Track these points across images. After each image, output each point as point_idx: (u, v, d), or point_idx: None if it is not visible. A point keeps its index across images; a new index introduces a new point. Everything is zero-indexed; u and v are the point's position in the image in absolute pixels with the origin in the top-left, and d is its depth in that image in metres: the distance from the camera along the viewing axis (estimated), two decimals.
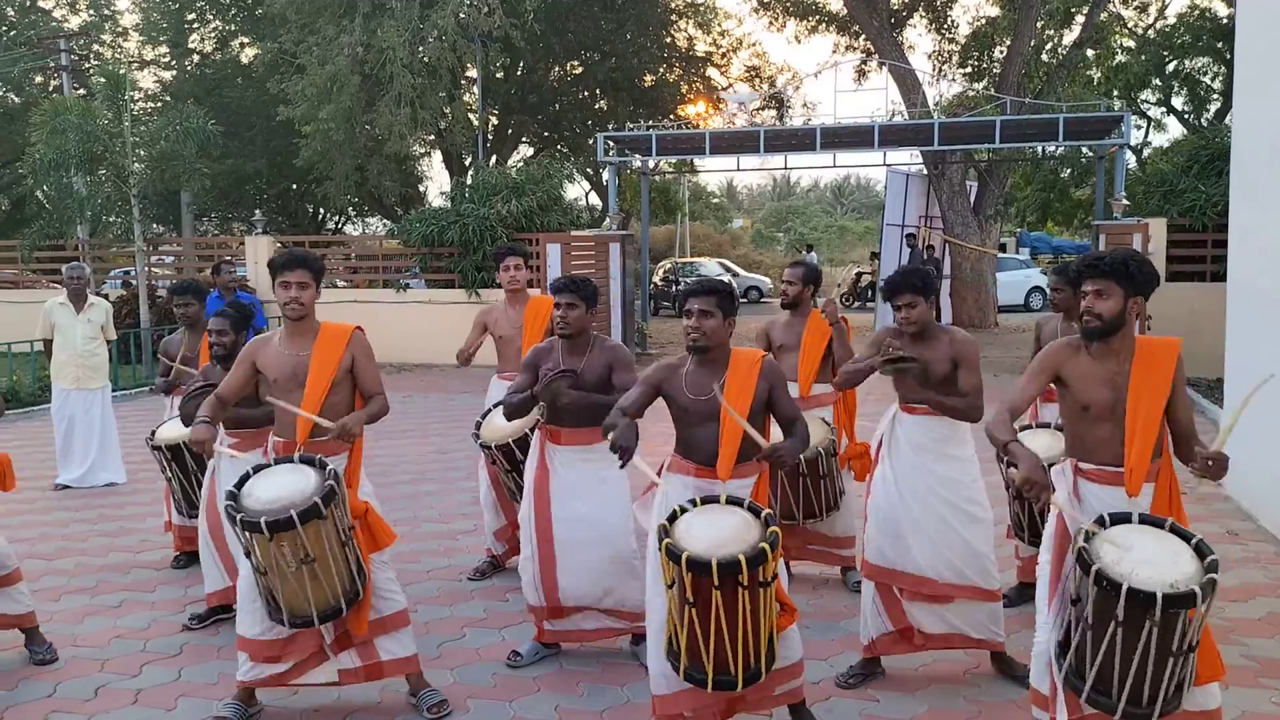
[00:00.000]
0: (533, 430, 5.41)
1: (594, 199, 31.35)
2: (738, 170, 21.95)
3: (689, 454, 3.93)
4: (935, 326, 4.49)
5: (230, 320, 5.25)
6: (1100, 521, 3.28)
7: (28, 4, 29.98)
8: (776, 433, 4.03)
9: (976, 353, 4.46)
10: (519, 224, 16.63)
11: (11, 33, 28.45)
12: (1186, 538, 3.19)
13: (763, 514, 3.51)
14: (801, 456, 4.36)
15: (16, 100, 28.74)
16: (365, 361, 4.29)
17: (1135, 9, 27.02)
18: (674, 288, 27.74)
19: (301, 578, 3.88)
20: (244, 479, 4.00)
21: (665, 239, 39.50)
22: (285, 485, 3.90)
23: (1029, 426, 5.26)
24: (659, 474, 3.97)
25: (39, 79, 29.25)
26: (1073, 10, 22.52)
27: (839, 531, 5.71)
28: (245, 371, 4.27)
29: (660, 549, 3.40)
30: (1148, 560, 3.10)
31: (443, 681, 4.50)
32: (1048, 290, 5.74)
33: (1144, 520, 3.29)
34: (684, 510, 3.58)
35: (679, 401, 3.91)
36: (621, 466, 3.76)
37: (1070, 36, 22.56)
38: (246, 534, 3.82)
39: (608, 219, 18.45)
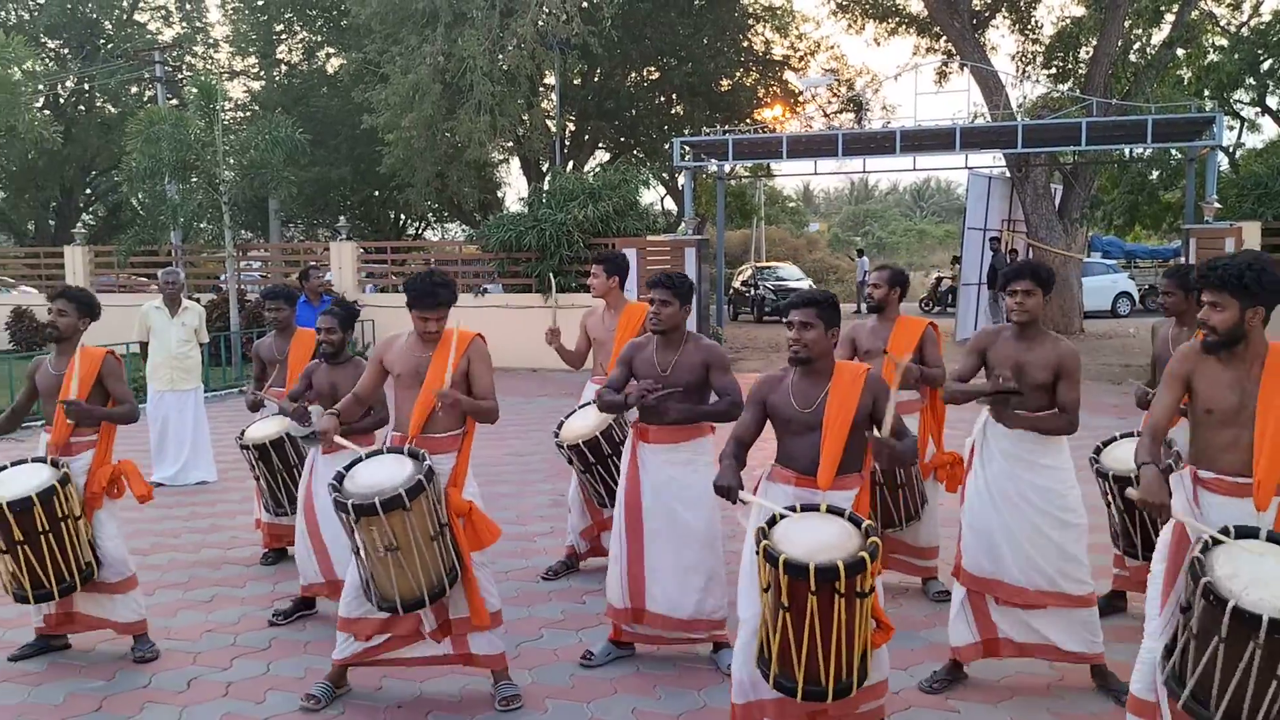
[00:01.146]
0: (604, 433, 5.50)
1: (669, 204, 31.40)
2: (815, 174, 21.82)
3: (789, 463, 3.93)
4: (1041, 327, 4.39)
5: (338, 319, 5.42)
6: (1224, 533, 3.19)
7: (124, 18, 31.10)
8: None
9: (1079, 365, 4.36)
10: (595, 229, 16.76)
11: (109, 45, 29.55)
12: None
13: (864, 524, 3.50)
14: (876, 465, 4.32)
15: (114, 110, 29.86)
16: (480, 367, 4.46)
17: (1228, 6, 26.18)
18: (752, 292, 27.50)
19: (387, 564, 4.06)
20: (354, 462, 4.24)
21: (740, 243, 39.39)
22: (383, 473, 4.11)
23: (1131, 434, 5.12)
24: (755, 490, 3.99)
25: (134, 90, 30.35)
26: (1162, 9, 21.92)
27: (922, 541, 5.65)
28: (377, 370, 4.57)
29: (758, 551, 3.41)
30: (1263, 581, 3.00)
31: (521, 681, 4.56)
32: (1160, 294, 5.59)
33: (1271, 539, 3.16)
34: (784, 516, 3.58)
35: (782, 412, 3.92)
36: (733, 502, 3.78)
37: (1159, 35, 21.97)
38: (341, 515, 4.06)
39: (683, 223, 18.45)
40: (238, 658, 4.97)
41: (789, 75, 28.07)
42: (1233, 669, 2.99)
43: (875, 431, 3.79)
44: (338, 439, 4.47)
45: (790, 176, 39.32)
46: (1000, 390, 4.26)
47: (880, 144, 18.21)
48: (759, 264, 32.86)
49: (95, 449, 4.94)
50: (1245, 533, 3.20)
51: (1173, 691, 3.20)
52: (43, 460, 4.85)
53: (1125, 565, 5.31)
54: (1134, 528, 4.97)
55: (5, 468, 4.82)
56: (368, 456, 4.28)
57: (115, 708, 4.44)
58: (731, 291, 29.48)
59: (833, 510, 3.59)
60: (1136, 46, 22.37)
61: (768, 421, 4.01)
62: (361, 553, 4.13)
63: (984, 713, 4.29)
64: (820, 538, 3.42)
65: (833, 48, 28.26)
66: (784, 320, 3.96)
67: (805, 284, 27.81)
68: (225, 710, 4.40)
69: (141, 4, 31.66)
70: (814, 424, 3.83)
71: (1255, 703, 3.01)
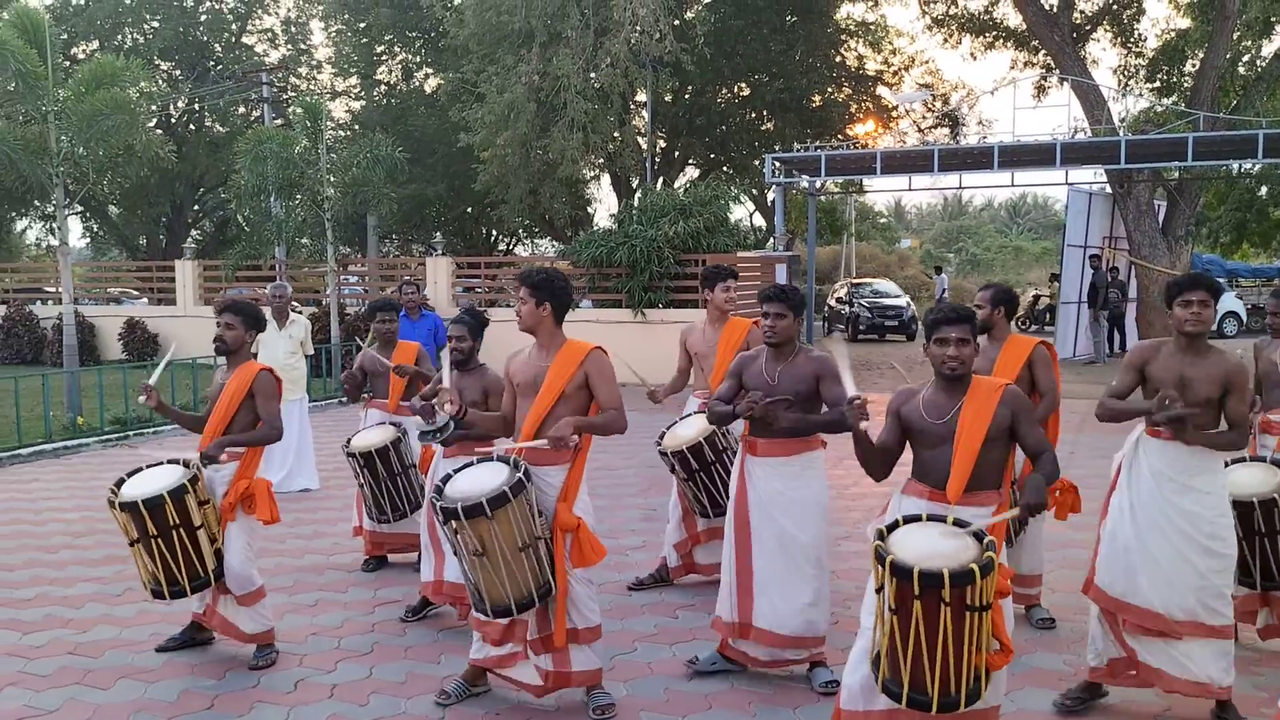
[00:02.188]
0: (708, 439, 5.53)
1: (759, 219, 31.34)
2: (908, 190, 21.58)
3: (923, 477, 3.91)
4: (1208, 342, 4.26)
5: (468, 326, 5.48)
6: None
7: (233, 41, 32.30)
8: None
9: (1249, 379, 4.24)
10: (685, 245, 16.80)
11: (218, 67, 30.70)
12: None
13: (985, 539, 3.46)
14: None
15: (222, 130, 31.02)
16: (600, 378, 4.46)
17: None
18: (847, 309, 26.65)
19: (476, 568, 4.20)
20: (464, 467, 4.40)
21: (830, 259, 39.13)
22: (478, 480, 4.23)
23: (1243, 459, 4.93)
24: (885, 507, 4.00)
25: (242, 110, 31.50)
26: (1273, 19, 21.18)
27: (1025, 569, 5.49)
28: (511, 386, 4.64)
29: (872, 550, 3.44)
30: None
31: (616, 694, 4.59)
32: (1269, 314, 5.41)
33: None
34: (907, 521, 3.59)
35: (915, 425, 3.91)
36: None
37: (1270, 47, 21.29)
38: (436, 517, 4.24)
39: (772, 239, 18.42)
40: (341, 660, 5.11)
41: (882, 90, 27.85)
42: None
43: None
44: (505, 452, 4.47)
45: (882, 192, 38.99)
46: (1167, 414, 4.01)
47: (977, 159, 17.97)
48: (854, 280, 32.12)
49: (240, 461, 5.07)
50: None
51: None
52: (177, 461, 5.03)
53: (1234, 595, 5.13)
54: (1253, 556, 4.78)
55: (140, 470, 5.01)
56: (479, 462, 4.40)
57: (226, 706, 4.60)
58: (827, 309, 29.12)
59: (959, 523, 3.56)
60: (1245, 59, 21.65)
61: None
62: (460, 554, 4.27)
63: None
64: (936, 546, 3.42)
65: (927, 62, 27.77)
66: (931, 338, 3.87)
67: (903, 300, 27.13)
68: (331, 711, 4.53)
69: (250, 27, 32.88)
70: (946, 436, 3.80)
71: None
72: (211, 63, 31.28)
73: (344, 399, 8.55)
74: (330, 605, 5.97)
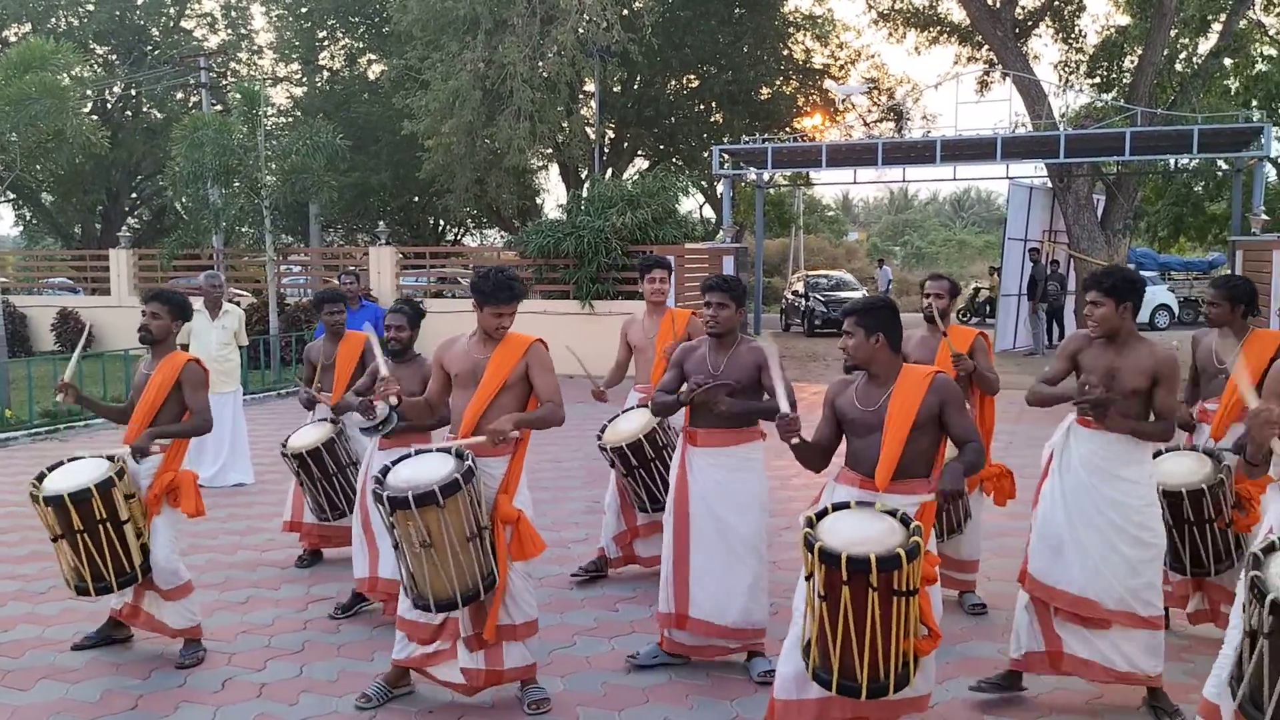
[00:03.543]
0: (648, 435, 5.50)
1: (708, 212, 31.36)
2: (854, 183, 21.73)
3: (855, 465, 3.94)
4: (1134, 334, 4.29)
5: (407, 316, 5.44)
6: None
7: (171, 25, 31.58)
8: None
9: (1178, 371, 4.26)
10: (634, 236, 16.74)
11: (156, 52, 30.00)
12: None
13: (912, 525, 3.48)
14: None
15: (159, 116, 30.31)
16: (540, 371, 4.44)
17: (1277, 15, 25.76)
18: (804, 303, 25.90)
19: (421, 560, 4.09)
20: (402, 458, 4.28)
21: (779, 252, 39.29)
22: (424, 469, 4.14)
23: (1178, 448, 5.00)
24: (819, 494, 4.01)
25: (180, 95, 30.80)
26: (1210, 18, 21.59)
27: (964, 554, 5.57)
28: (442, 374, 4.57)
29: (801, 537, 3.45)
30: None
31: (553, 689, 4.55)
32: (1206, 304, 5.48)
33: None
34: (836, 509, 3.61)
35: (848, 414, 3.96)
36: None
37: (1206, 45, 21.65)
38: (379, 507, 4.11)
39: (721, 232, 18.43)
40: (272, 659, 5.00)
41: (829, 84, 27.98)
42: (1278, 672, 2.92)
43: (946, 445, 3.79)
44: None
45: (829, 185, 39.20)
46: (1087, 399, 4.13)
47: (920, 153, 18.11)
48: (812, 273, 31.20)
49: (165, 453, 4.94)
50: None
51: (1232, 692, 3.14)
52: (101, 456, 4.89)
53: (1169, 580, 5.20)
54: (1182, 544, 4.85)
55: (62, 463, 4.87)
56: (417, 454, 4.31)
57: (150, 706, 4.48)
58: (785, 301, 28.90)
59: (887, 510, 3.58)
60: (1183, 56, 22.06)
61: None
62: (401, 547, 4.16)
63: None
64: (863, 533, 3.43)
65: (873, 56, 28.11)
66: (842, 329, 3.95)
67: (860, 294, 26.68)
68: (259, 711, 4.43)
69: (188, 11, 32.13)
70: (876, 425, 3.83)
71: None
72: (149, 47, 30.52)
73: (296, 386, 8.38)
74: (262, 602, 5.84)
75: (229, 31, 32.20)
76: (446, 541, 4.06)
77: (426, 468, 4.16)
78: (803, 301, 26.24)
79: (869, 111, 26.95)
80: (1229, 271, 15.84)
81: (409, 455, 4.32)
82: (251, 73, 30.46)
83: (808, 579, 3.47)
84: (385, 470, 4.24)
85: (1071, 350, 4.44)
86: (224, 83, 28.13)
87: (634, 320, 6.21)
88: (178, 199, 19.15)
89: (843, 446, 4.07)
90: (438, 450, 4.30)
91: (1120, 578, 4.19)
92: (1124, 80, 21.49)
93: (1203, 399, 5.39)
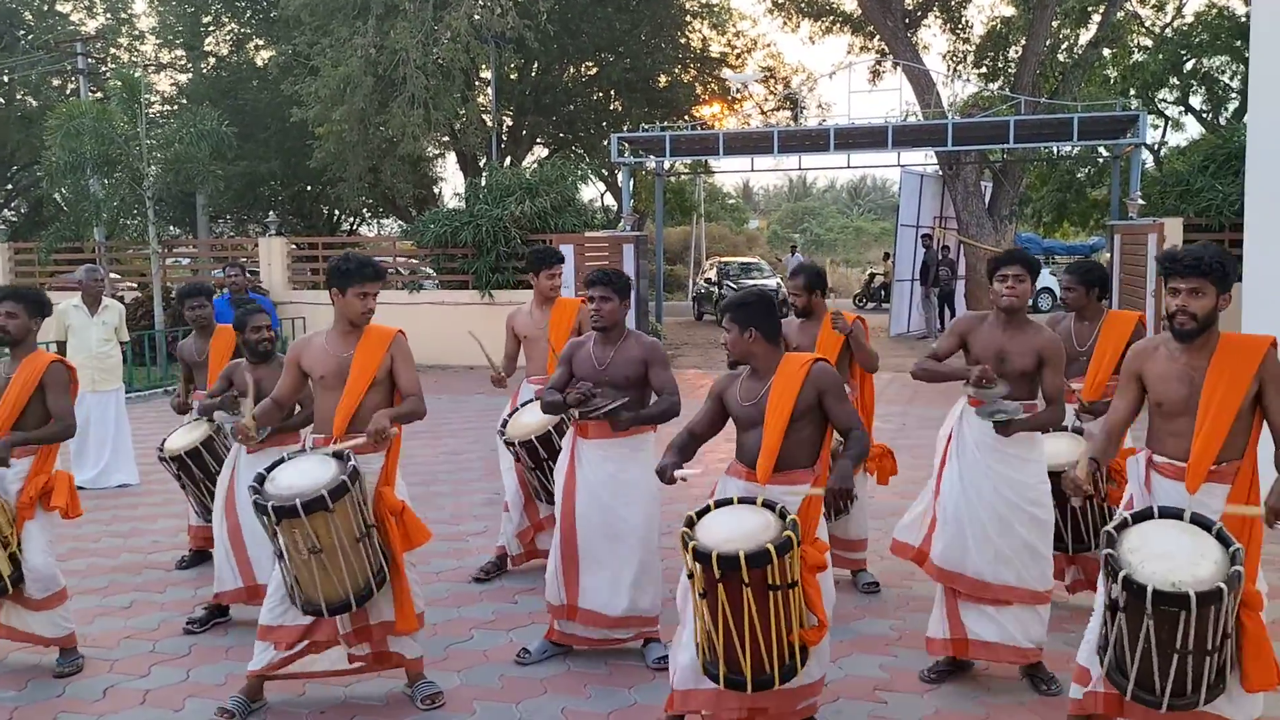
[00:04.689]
0: (556, 427, 5.45)
1: (609, 200, 31.31)
2: (752, 171, 21.91)
3: (741, 458, 3.96)
4: (1026, 316, 4.42)
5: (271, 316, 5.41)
6: (1124, 523, 3.26)
7: (45, 8, 30.18)
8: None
9: (1063, 353, 4.39)
10: (533, 225, 16.61)
11: (29, 36, 28.65)
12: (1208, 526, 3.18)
13: (788, 518, 3.50)
14: None
15: (34, 103, 28.91)
16: (403, 364, 4.36)
17: (1152, 8, 26.83)
18: (716, 291, 25.32)
19: (311, 567, 3.98)
20: (276, 464, 4.12)
21: (681, 240, 39.43)
22: (306, 474, 4.01)
23: (1066, 429, 5.12)
24: (714, 489, 4.02)
25: (56, 82, 29.42)
26: (1089, 9, 22.38)
27: (852, 534, 5.69)
28: (295, 373, 4.41)
29: (680, 536, 3.46)
30: (1163, 555, 3.10)
31: (449, 684, 4.50)
32: (1059, 290, 5.67)
33: (1195, 520, 3.24)
34: (717, 506, 3.62)
35: (733, 408, 3.98)
36: (666, 482, 3.89)
37: (1086, 36, 22.42)
38: (261, 517, 3.95)
39: (622, 220, 18.42)
40: (156, 665, 4.84)
41: (726, 72, 28.15)
42: (1135, 641, 3.07)
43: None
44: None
45: (729, 173, 39.46)
46: (980, 385, 4.21)
47: (815, 141, 18.36)
48: (724, 259, 30.81)
49: (35, 456, 4.70)
50: (1169, 513, 3.28)
51: (1100, 659, 3.30)
52: None
53: None
54: (1064, 521, 5.02)
55: None
56: (291, 457, 4.18)
57: (28, 718, 4.29)
58: (698, 288, 28.78)
59: (768, 504, 3.60)
60: (1064, 46, 22.80)
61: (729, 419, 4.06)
62: (285, 556, 4.03)
63: (911, 702, 4.33)
64: (739, 529, 3.45)
65: (769, 45, 28.36)
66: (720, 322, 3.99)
67: (774, 281, 25.37)
68: (143, 718, 4.28)
69: None
70: (758, 418, 3.85)
71: (1162, 676, 3.10)
72: (21, 31, 29.14)
73: (169, 389, 8.12)
74: (146, 606, 5.65)
75: (108, 16, 30.90)
76: (337, 544, 3.97)
77: (307, 472, 4.03)
78: (715, 290, 26.18)
79: (765, 100, 27.22)
80: (1109, 255, 16.46)
81: (283, 460, 4.17)
82: (133, 59, 29.32)
83: (690, 577, 3.49)
84: (261, 479, 4.07)
85: (961, 330, 4.55)
86: (103, 69, 26.99)
87: (520, 311, 6.14)
88: (56, 190, 18.34)
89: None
90: (313, 453, 4.18)
91: (1017, 554, 4.32)
92: (1009, 70, 22.14)
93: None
